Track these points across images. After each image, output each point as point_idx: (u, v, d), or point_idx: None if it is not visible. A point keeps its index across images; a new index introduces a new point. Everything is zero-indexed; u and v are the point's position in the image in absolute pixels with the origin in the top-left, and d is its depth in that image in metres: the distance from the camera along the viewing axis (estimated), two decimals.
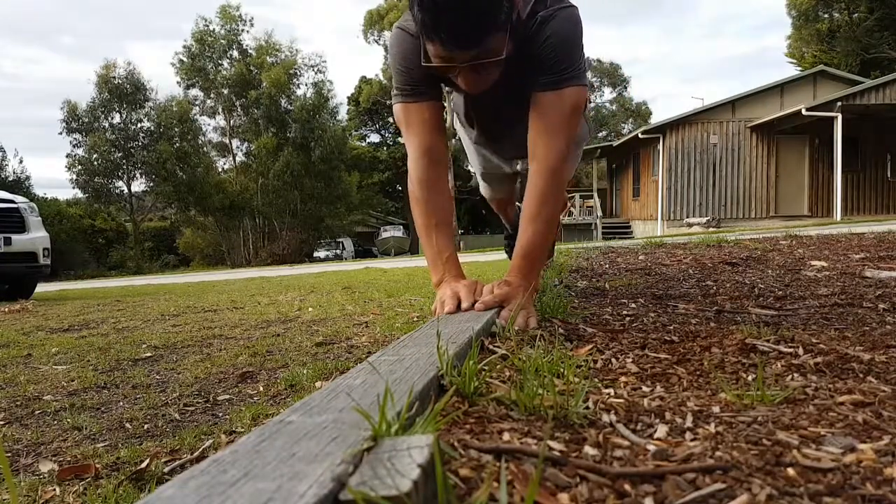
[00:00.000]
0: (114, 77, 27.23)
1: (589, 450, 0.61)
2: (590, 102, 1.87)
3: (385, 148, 39.40)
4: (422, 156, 1.64)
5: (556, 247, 3.41)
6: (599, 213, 19.71)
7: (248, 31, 30.56)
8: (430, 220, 1.62)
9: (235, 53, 29.50)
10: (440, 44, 1.35)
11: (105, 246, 28.97)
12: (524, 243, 1.54)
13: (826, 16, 24.68)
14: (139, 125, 27.89)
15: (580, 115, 1.62)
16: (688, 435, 0.67)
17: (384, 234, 32.70)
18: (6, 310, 4.52)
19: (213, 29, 29.14)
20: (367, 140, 40.25)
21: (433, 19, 1.31)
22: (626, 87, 42.14)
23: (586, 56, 1.70)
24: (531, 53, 1.53)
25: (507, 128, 1.91)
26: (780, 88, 15.84)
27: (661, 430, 0.68)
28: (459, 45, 1.34)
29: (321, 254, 29.95)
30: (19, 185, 25.68)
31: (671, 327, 1.36)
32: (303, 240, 28.89)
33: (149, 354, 2.26)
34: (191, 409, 1.53)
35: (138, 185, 28.59)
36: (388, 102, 38.12)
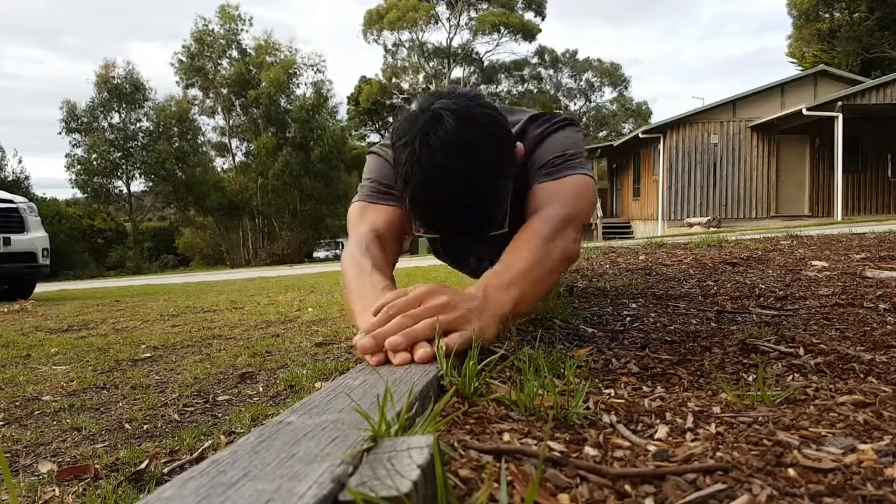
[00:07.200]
0: (113, 77, 27.22)
1: (589, 450, 0.61)
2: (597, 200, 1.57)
3: None
4: (369, 235, 1.31)
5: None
6: (600, 213, 19.69)
7: (247, 31, 30.60)
8: (364, 264, 1.20)
9: (234, 53, 29.49)
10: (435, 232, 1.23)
11: (104, 246, 28.96)
12: (508, 262, 1.10)
13: (827, 15, 24.67)
14: (138, 125, 27.90)
15: (586, 201, 1.35)
16: (688, 435, 0.67)
17: None
18: (5, 310, 4.51)
19: (213, 28, 29.14)
20: (367, 140, 40.27)
21: (424, 214, 1.17)
22: (626, 87, 42.14)
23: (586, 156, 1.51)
24: (526, 175, 1.36)
25: (477, 264, 1.59)
26: (781, 88, 15.84)
27: (662, 431, 0.68)
28: (459, 238, 1.19)
29: (321, 254, 29.97)
30: (18, 185, 25.63)
31: (672, 327, 1.36)
32: (302, 240, 28.89)
33: (148, 355, 2.26)
34: (190, 409, 1.53)
35: (137, 185, 28.60)
36: (388, 102, 38.21)
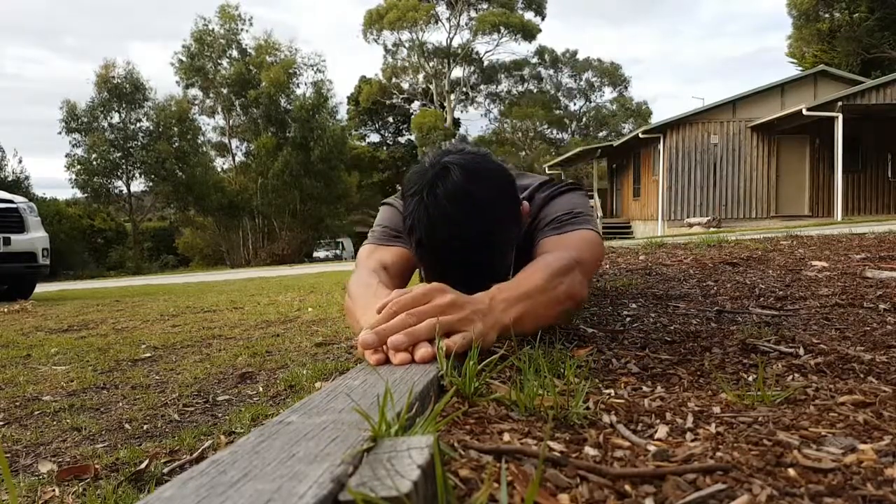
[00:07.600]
0: (113, 77, 27.21)
1: (589, 450, 0.61)
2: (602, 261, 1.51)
3: (385, 148, 39.43)
4: (377, 265, 1.37)
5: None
6: (600, 214, 19.69)
7: (247, 31, 30.61)
8: (371, 282, 1.25)
9: (235, 53, 29.49)
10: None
11: (104, 246, 28.96)
12: (518, 282, 1.11)
13: (827, 15, 24.65)
14: (138, 125, 27.89)
15: (594, 251, 1.37)
16: (688, 435, 0.67)
17: None
18: (5, 310, 4.52)
19: (213, 28, 29.14)
20: (367, 140, 40.29)
21: (429, 261, 1.20)
22: (626, 87, 42.12)
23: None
24: (532, 232, 1.41)
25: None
26: (781, 88, 15.83)
27: (662, 431, 0.68)
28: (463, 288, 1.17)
29: (321, 254, 29.95)
30: (18, 185, 25.59)
31: (672, 327, 1.36)
32: (302, 240, 28.89)
33: (148, 355, 2.26)
34: (190, 409, 1.52)
35: (137, 185, 28.60)
36: (388, 102, 38.21)
